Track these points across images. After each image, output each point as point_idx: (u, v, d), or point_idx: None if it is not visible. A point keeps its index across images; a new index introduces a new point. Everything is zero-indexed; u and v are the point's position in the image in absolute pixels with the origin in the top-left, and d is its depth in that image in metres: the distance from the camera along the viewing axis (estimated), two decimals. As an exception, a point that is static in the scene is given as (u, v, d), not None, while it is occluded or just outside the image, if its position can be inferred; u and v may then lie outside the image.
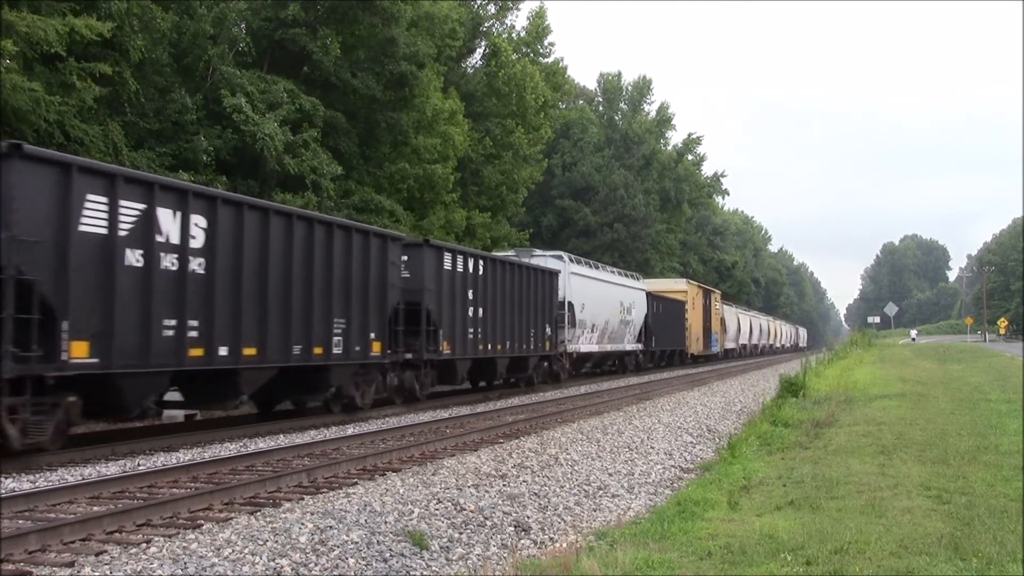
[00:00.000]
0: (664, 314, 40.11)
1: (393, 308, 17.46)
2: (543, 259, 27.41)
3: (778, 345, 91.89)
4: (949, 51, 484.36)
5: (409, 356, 18.49)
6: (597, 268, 32.55)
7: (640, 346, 36.37)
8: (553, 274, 26.31)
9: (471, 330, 20.45)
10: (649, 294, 37.56)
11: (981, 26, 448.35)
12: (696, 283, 50.10)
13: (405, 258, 18.10)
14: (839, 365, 32.97)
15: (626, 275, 35.93)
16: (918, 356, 42.10)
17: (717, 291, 56.13)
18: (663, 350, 40.90)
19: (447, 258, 19.54)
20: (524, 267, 23.93)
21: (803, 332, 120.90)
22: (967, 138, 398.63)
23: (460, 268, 20.00)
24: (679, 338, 43.55)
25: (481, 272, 21.01)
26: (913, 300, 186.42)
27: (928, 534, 6.97)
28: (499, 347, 21.88)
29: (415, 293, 18.28)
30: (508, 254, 26.62)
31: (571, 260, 28.93)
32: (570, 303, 27.47)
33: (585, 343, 29.42)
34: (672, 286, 46.13)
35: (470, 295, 20.36)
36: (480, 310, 20.93)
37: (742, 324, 65.87)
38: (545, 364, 25.98)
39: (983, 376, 26.24)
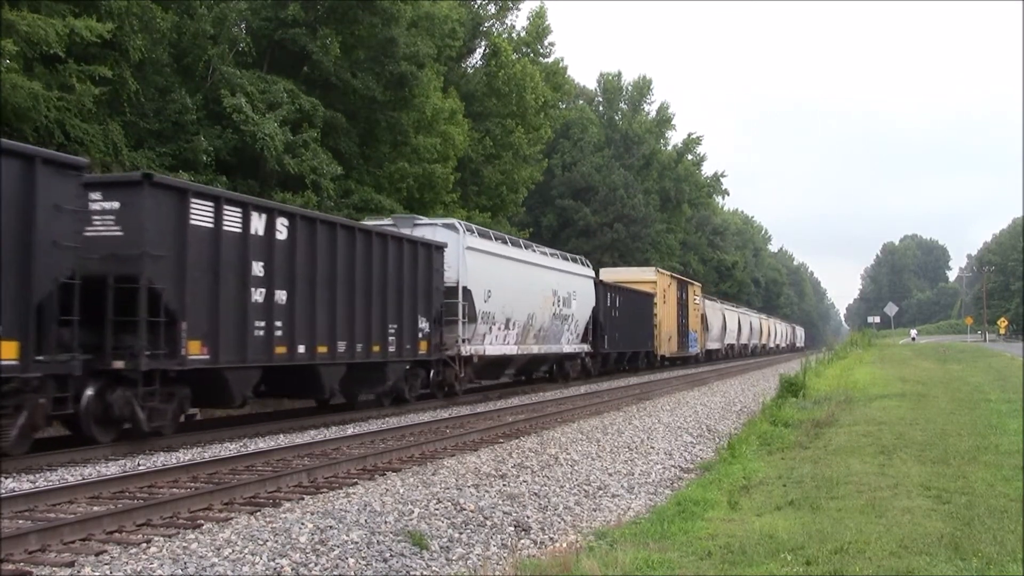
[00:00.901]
0: (625, 309, 33.39)
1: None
2: (431, 228, 20.44)
3: (772, 345, 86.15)
4: (949, 51, 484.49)
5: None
6: (515, 245, 24.65)
7: (586, 347, 29.51)
8: (435, 248, 19.35)
9: (259, 323, 13.82)
10: (602, 283, 31.12)
11: (981, 26, 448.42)
12: (668, 273, 43.22)
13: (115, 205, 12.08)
14: (839, 365, 32.97)
15: (565, 258, 28.70)
16: (918, 356, 42.10)
17: (696, 283, 49.74)
18: (622, 352, 33.81)
19: (200, 209, 12.69)
20: (372, 233, 17.08)
21: (800, 331, 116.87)
22: (967, 138, 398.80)
23: (233, 227, 13.25)
24: (644, 337, 36.37)
25: (283, 237, 14.28)
26: (913, 300, 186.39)
27: (928, 534, 6.97)
28: (322, 349, 15.32)
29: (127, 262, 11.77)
30: (381, 222, 20.93)
31: (469, 231, 21.41)
32: (466, 289, 20.43)
33: (494, 343, 22.31)
34: (637, 275, 38.99)
35: (257, 270, 13.72)
36: (280, 294, 14.30)
37: (729, 322, 59.96)
38: (427, 372, 19.70)
39: (983, 376, 26.24)
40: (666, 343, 39.83)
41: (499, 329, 22.53)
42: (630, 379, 31.97)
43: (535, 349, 24.99)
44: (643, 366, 37.64)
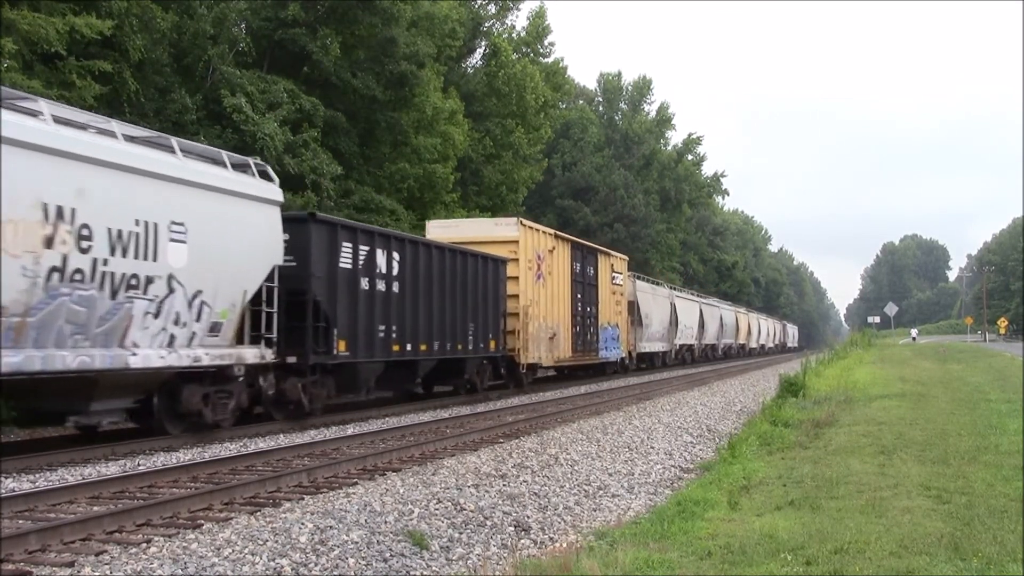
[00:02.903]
0: (424, 278, 18.68)
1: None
2: None
3: (754, 346, 72.40)
4: (949, 51, 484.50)
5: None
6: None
7: (266, 354, 14.41)
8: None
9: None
10: (316, 221, 15.49)
11: (981, 26, 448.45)
12: (552, 231, 26.89)
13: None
14: (839, 365, 32.95)
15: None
16: (918, 356, 42.08)
17: (621, 256, 34.68)
18: (401, 362, 18.11)
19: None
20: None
21: (792, 330, 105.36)
22: (967, 138, 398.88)
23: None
24: (480, 334, 21.15)
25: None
26: (913, 300, 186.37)
27: (928, 534, 6.96)
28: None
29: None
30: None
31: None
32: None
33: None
34: (480, 231, 23.89)
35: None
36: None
37: (683, 316, 45.11)
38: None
39: (983, 376, 26.23)
40: (545, 344, 24.47)
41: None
42: (630, 379, 31.96)
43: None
44: (480, 388, 21.69)
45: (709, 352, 54.75)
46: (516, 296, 23.01)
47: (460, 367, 20.85)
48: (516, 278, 23.13)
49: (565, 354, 26.76)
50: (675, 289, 47.69)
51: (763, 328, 79.09)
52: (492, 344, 22.04)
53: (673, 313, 43.39)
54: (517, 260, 23.26)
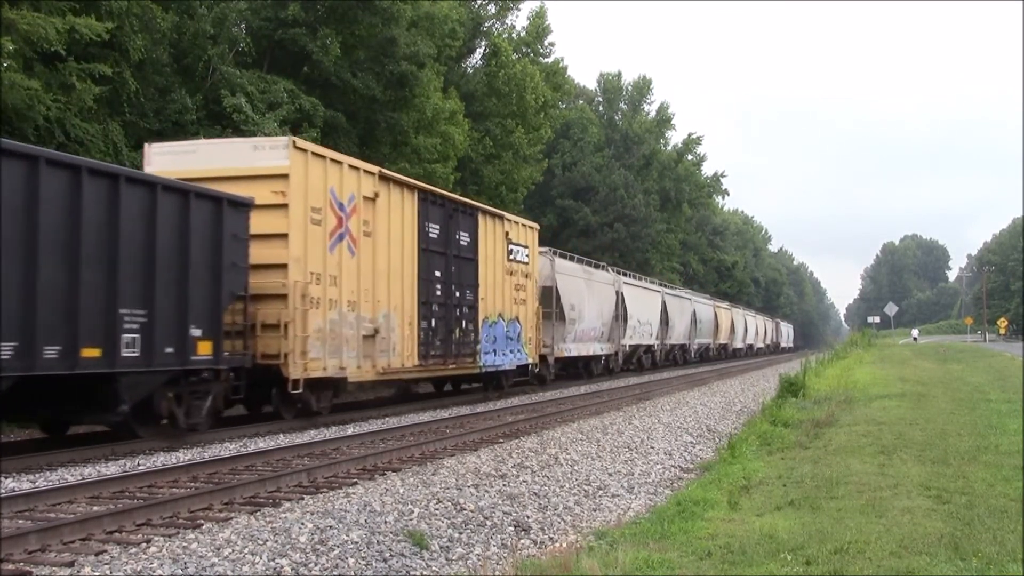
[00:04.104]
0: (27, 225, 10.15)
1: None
2: None
3: (739, 346, 63.62)
4: (949, 51, 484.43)
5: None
6: None
7: None
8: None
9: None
10: None
11: (981, 26, 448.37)
12: (376, 169, 17.53)
13: None
14: (839, 365, 32.95)
15: None
16: (918, 356, 42.07)
17: (526, 222, 24.88)
18: None
19: None
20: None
21: (787, 329, 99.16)
22: (967, 138, 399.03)
23: None
24: (177, 327, 12.27)
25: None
26: (913, 300, 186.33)
27: (928, 534, 6.96)
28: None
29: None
30: None
31: None
32: None
33: None
34: (224, 158, 14.97)
35: None
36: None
37: (634, 308, 35.56)
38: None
39: (983, 376, 26.23)
40: (355, 346, 16.10)
41: None
42: (630, 379, 31.93)
43: None
44: (179, 424, 12.84)
45: (678, 355, 45.03)
46: (281, 267, 14.43)
47: (99, 391, 11.36)
48: (282, 236, 14.40)
49: (403, 361, 17.60)
50: (625, 275, 36.85)
51: (750, 326, 69.17)
52: (203, 347, 12.82)
53: (620, 305, 33.38)
54: (285, 207, 14.41)
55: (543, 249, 27.16)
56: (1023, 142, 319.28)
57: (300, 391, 14.58)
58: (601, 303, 31.83)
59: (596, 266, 34.02)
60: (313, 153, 15.31)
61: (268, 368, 14.30)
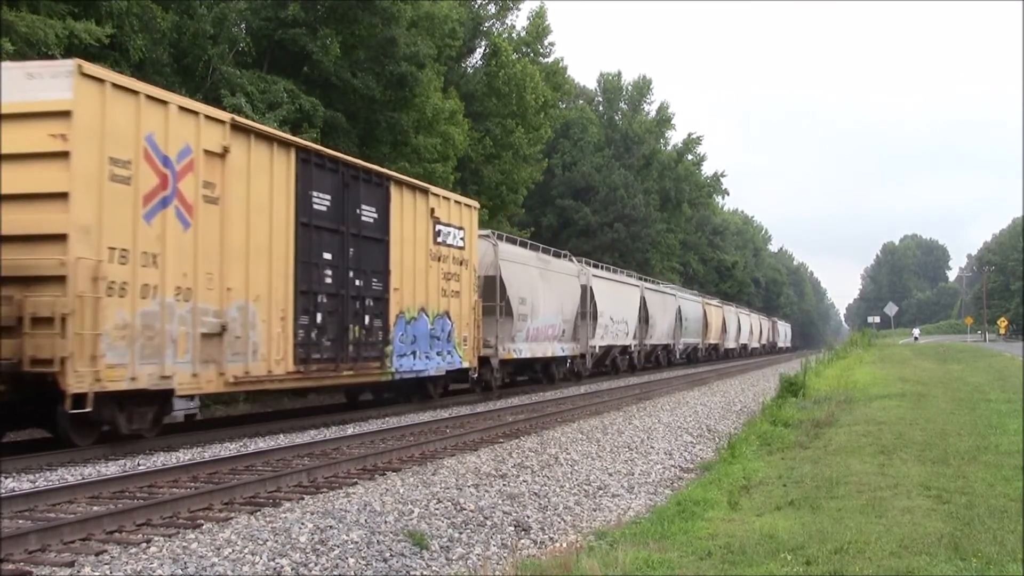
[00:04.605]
0: None
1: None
2: None
3: (732, 346, 59.86)
4: (949, 51, 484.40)
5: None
6: None
7: None
8: None
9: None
10: None
11: (981, 26, 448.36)
12: (229, 116, 13.57)
13: None
14: (839, 365, 32.95)
15: None
16: (918, 356, 42.07)
17: (459, 198, 21.14)
18: None
19: None
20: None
21: (784, 328, 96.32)
22: (967, 138, 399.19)
23: None
24: None
25: None
26: (913, 300, 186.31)
27: (928, 534, 6.96)
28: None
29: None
30: None
31: None
32: None
33: None
34: None
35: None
36: None
37: (605, 303, 31.53)
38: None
39: (983, 376, 26.22)
40: (189, 346, 12.23)
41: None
42: (630, 379, 31.93)
43: None
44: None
45: (661, 356, 41.33)
46: (57, 239, 10.73)
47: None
48: (60, 196, 10.76)
49: (270, 367, 13.73)
50: (597, 266, 33.47)
51: (744, 325, 65.08)
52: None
53: (588, 301, 29.56)
54: (66, 156, 10.78)
55: (484, 232, 22.90)
56: (1023, 142, 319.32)
57: (89, 409, 10.61)
58: (562, 297, 27.24)
59: (559, 255, 29.06)
60: (116, 85, 11.35)
61: (42, 378, 10.45)
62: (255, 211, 13.55)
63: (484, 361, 21.75)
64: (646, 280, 40.57)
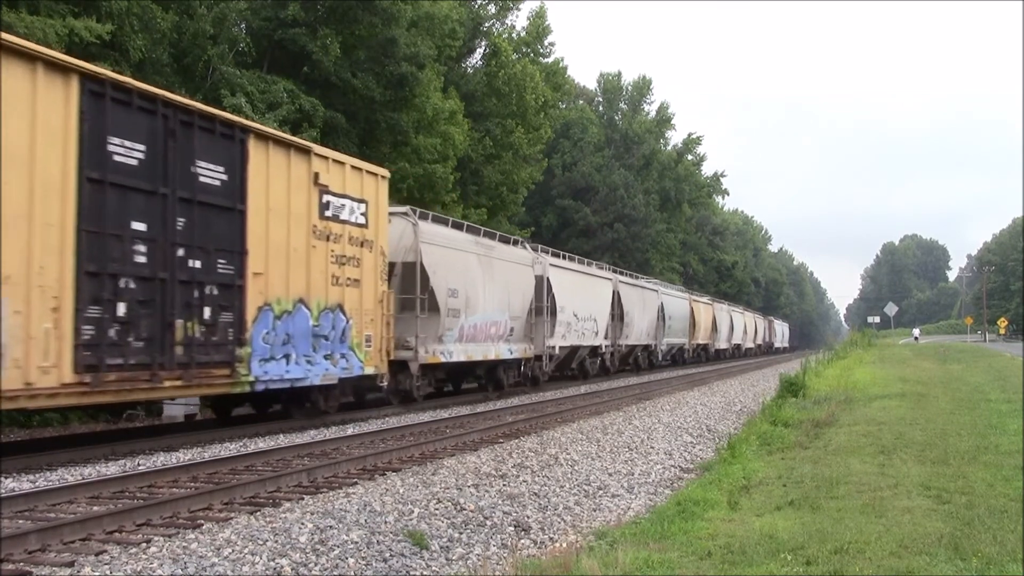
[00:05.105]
0: None
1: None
2: None
3: (723, 346, 55.87)
4: (949, 51, 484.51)
5: None
6: None
7: None
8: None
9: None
10: None
11: (981, 26, 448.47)
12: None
13: None
14: (839, 365, 32.96)
15: None
16: (918, 356, 42.08)
17: (358, 164, 16.81)
18: None
19: None
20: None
21: (782, 328, 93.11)
22: (967, 138, 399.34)
23: None
24: None
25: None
26: (913, 300, 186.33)
27: (928, 534, 6.96)
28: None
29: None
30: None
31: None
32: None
33: None
34: None
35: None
36: None
37: (565, 297, 26.95)
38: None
39: (983, 376, 26.23)
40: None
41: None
42: (630, 379, 31.94)
43: None
44: None
45: (640, 357, 37.34)
46: None
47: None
48: None
49: (27, 377, 10.10)
50: (558, 255, 28.76)
51: (737, 324, 61.12)
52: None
53: (545, 294, 25.51)
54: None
55: (399, 209, 19.03)
56: (1023, 142, 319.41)
57: None
58: (509, 289, 22.85)
59: (508, 240, 24.83)
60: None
61: None
62: (6, 160, 9.84)
63: (402, 366, 18.26)
64: (622, 273, 36.59)
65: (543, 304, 25.48)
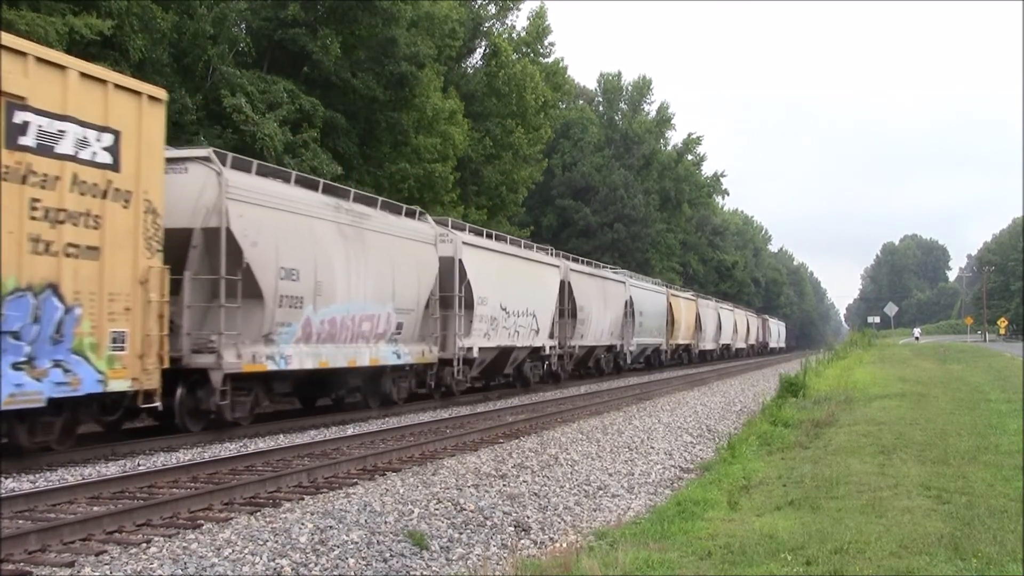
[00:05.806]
0: None
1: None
2: None
3: (710, 347, 51.26)
4: (949, 51, 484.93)
5: None
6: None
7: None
8: None
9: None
10: None
11: (981, 26, 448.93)
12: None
13: None
14: (839, 365, 32.96)
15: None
16: (918, 356, 42.07)
17: (131, 84, 11.54)
18: None
19: None
20: None
21: (778, 327, 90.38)
22: (967, 138, 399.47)
23: None
24: None
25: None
26: (913, 300, 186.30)
27: (928, 534, 6.96)
28: None
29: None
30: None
31: None
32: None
33: None
34: None
35: None
36: None
37: (487, 288, 21.44)
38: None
39: (983, 376, 26.23)
40: None
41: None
42: (629, 379, 31.94)
43: None
44: None
45: (603, 360, 32.27)
46: None
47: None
48: None
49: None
50: (481, 235, 22.93)
51: (726, 323, 55.70)
52: None
53: (454, 281, 20.15)
54: None
55: (198, 152, 13.96)
56: (1023, 142, 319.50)
57: None
58: (393, 273, 17.58)
59: (400, 211, 18.75)
60: None
61: None
62: None
63: (201, 378, 13.01)
64: (577, 261, 30.76)
65: (454, 294, 20.00)
